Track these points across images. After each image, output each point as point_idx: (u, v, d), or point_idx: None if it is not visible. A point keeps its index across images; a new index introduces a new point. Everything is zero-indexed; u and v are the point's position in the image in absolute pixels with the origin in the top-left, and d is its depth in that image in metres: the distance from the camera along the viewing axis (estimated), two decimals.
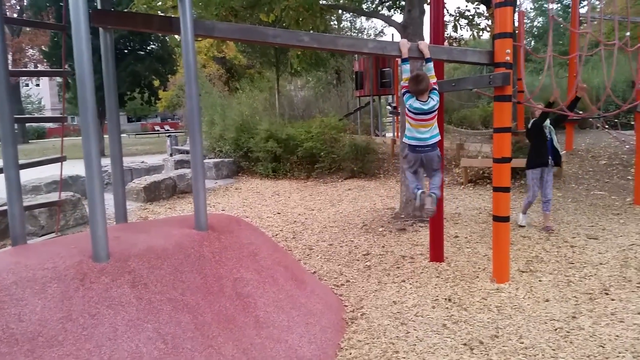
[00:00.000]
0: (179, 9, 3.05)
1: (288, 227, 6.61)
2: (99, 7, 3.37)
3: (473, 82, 4.24)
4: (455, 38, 10.44)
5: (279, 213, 7.55)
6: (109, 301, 2.45)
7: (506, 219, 4.13)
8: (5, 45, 2.90)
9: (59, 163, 3.70)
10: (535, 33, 33.60)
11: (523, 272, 4.42)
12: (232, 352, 2.64)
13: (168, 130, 38.23)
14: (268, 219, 7.16)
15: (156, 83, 22.80)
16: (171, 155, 15.92)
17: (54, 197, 6.24)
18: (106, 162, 3.93)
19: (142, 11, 7.19)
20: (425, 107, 3.65)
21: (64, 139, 4.08)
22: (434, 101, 3.68)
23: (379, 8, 10.39)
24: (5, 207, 2.78)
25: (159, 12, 7.69)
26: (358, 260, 5.04)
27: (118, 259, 2.64)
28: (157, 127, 44.33)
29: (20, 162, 3.08)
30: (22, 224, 3.03)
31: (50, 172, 8.55)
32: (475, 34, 8.53)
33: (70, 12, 2.44)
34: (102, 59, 3.30)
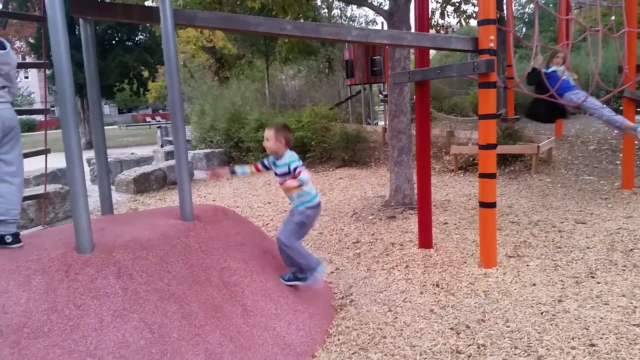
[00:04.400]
0: None
1: (279, 216, 6.61)
2: None
3: (457, 69, 4.24)
4: (443, 25, 10.41)
5: (269, 202, 7.56)
6: (94, 292, 2.45)
7: (492, 205, 4.15)
8: None
9: (53, 155, 3.70)
10: (527, 20, 33.54)
11: (511, 257, 4.46)
12: (220, 340, 2.65)
13: (159, 121, 38.00)
14: (259, 209, 7.16)
15: (145, 74, 22.62)
16: (162, 146, 15.85)
17: (42, 189, 6.21)
18: (92, 154, 3.91)
19: (122, 1, 7.10)
20: None
21: (54, 131, 4.05)
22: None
23: None
24: None
25: (144, 2, 7.60)
26: (348, 248, 5.06)
27: (103, 250, 2.64)
28: (148, 118, 44.05)
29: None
30: None
31: (39, 164, 8.50)
32: (463, 20, 8.51)
33: (46, 3, 2.41)
34: (83, 50, 3.27)
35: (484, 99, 3.99)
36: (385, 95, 15.42)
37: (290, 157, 3.37)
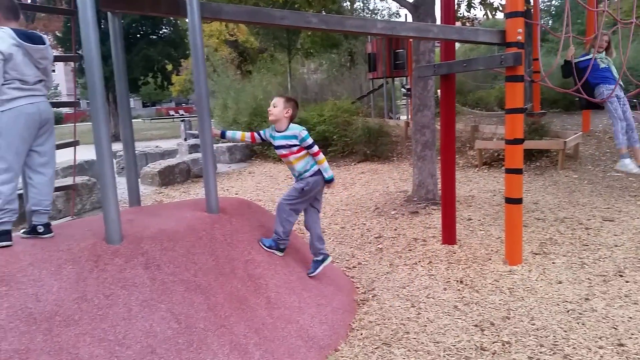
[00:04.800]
0: None
1: None
2: None
3: (484, 62, 4.17)
4: (469, 18, 10.25)
5: None
6: (122, 282, 2.50)
7: (519, 201, 4.09)
8: None
9: (79, 147, 3.77)
10: (553, 12, 32.81)
11: (536, 254, 4.39)
12: (245, 332, 2.68)
13: (182, 114, 38.40)
14: None
15: (169, 67, 22.85)
16: (185, 139, 16.01)
17: (70, 181, 6.34)
18: (120, 146, 3.97)
19: None
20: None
21: (80, 123, 4.13)
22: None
23: None
24: (20, 191, 2.83)
25: None
26: (370, 243, 5.05)
27: (131, 241, 2.69)
28: (171, 112, 44.55)
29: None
30: None
31: (67, 157, 8.67)
32: (489, 13, 8.36)
33: None
34: (111, 44, 3.32)
35: (511, 92, 3.92)
36: (408, 89, 15.28)
37: (300, 130, 3.40)
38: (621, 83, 5.66)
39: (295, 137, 3.40)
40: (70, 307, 2.37)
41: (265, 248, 3.38)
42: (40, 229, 2.78)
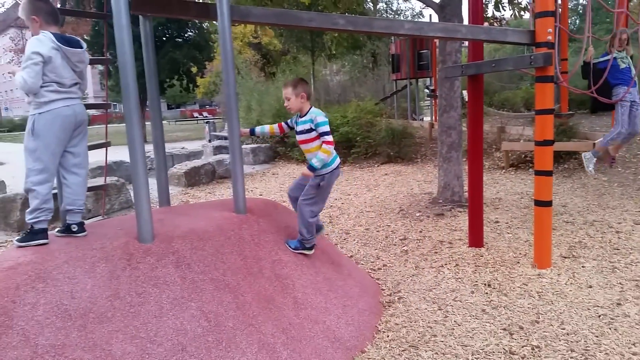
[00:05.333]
0: None
1: (324, 211, 6.64)
2: None
3: (513, 62, 4.12)
4: (496, 18, 10.12)
5: None
6: (154, 280, 2.55)
7: (548, 204, 4.02)
8: None
9: (104, 148, 3.85)
10: (581, 11, 32.16)
11: (565, 257, 4.31)
12: (272, 331, 2.70)
13: (206, 116, 38.85)
14: None
15: (194, 70, 23.13)
16: (210, 141, 16.19)
17: (99, 181, 6.47)
18: (148, 148, 4.05)
19: None
20: None
21: (109, 126, 4.23)
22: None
23: None
24: (55, 191, 2.91)
25: None
26: (395, 244, 5.03)
27: (162, 240, 2.74)
28: (195, 114, 45.12)
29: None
30: None
31: (95, 157, 8.86)
32: (517, 12, 8.24)
33: (111, 1, 2.51)
34: (142, 47, 3.38)
35: (541, 93, 3.87)
36: (432, 90, 15.17)
37: (317, 114, 3.22)
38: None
39: (311, 120, 3.22)
40: (103, 305, 2.42)
41: (292, 250, 3.37)
42: (74, 228, 2.85)
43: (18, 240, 2.72)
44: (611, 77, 5.36)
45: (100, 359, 2.26)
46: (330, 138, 3.24)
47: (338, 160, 3.39)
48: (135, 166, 2.65)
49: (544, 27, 3.77)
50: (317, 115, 3.22)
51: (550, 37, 3.76)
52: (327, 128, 3.22)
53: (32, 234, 2.70)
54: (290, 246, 3.39)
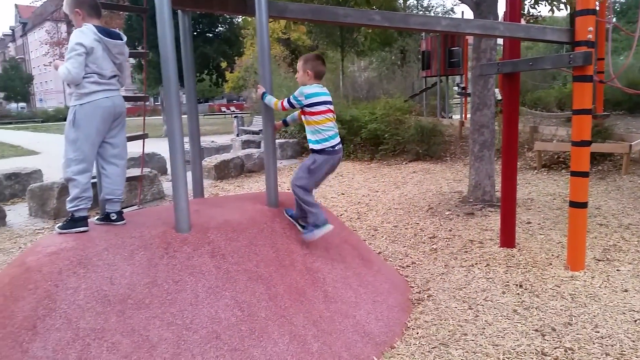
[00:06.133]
0: None
1: (352, 207, 6.66)
2: None
3: (551, 61, 4.04)
4: (532, 15, 9.92)
5: (342, 194, 7.61)
6: (190, 269, 2.61)
7: (584, 205, 3.95)
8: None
9: (140, 140, 3.94)
10: (618, 9, 31.24)
11: (599, 260, 4.22)
12: (303, 323, 2.74)
13: (234, 111, 39.21)
14: (332, 199, 7.24)
15: (223, 65, 23.38)
16: (238, 135, 16.37)
17: (134, 172, 6.62)
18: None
19: None
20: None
21: (139, 118, 4.31)
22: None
23: None
24: (94, 180, 3.00)
25: None
26: (424, 242, 5.01)
27: (198, 230, 2.80)
28: (223, 108, 45.57)
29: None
30: None
31: (129, 149, 9.07)
32: (555, 9, 8.06)
33: None
34: (180, 41, 3.45)
35: (579, 93, 3.79)
36: (463, 88, 14.98)
37: (305, 88, 3.14)
38: None
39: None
40: (141, 291, 2.49)
41: (315, 237, 3.18)
42: (113, 217, 2.93)
43: (59, 227, 2.81)
44: None
45: (138, 344, 2.33)
46: (288, 100, 3.16)
47: (333, 142, 3.21)
48: (175, 158, 2.72)
49: (584, 26, 3.68)
50: (305, 88, 3.14)
51: (590, 36, 3.68)
52: (305, 100, 3.12)
53: (73, 222, 2.79)
54: (308, 236, 3.20)
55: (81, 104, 2.78)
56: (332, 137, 3.21)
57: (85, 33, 2.75)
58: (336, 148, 3.24)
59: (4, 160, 13.72)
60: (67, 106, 2.88)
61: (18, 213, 6.78)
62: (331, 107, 3.22)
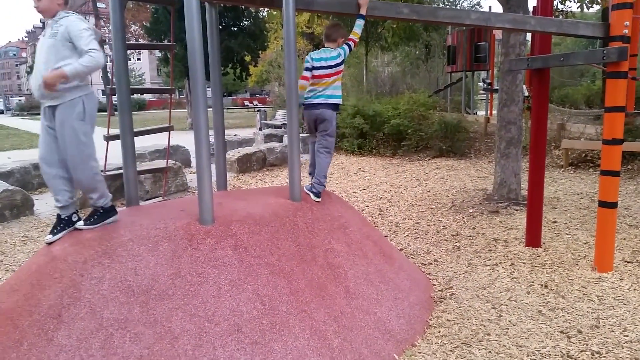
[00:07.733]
0: None
1: (374, 203, 6.62)
2: None
3: (584, 57, 3.92)
4: (562, 10, 9.68)
5: (364, 189, 7.57)
6: (213, 261, 2.62)
7: (614, 205, 3.84)
8: (124, 23, 3.12)
9: (166, 132, 3.97)
10: None
11: (628, 262, 4.11)
12: (324, 319, 2.73)
13: (257, 105, 39.37)
14: (354, 195, 7.21)
15: (247, 59, 23.42)
16: (260, 129, 16.44)
17: (157, 164, 6.70)
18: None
19: None
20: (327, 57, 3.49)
21: (160, 111, 4.35)
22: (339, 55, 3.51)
23: None
24: (121, 171, 3.02)
25: None
26: (447, 240, 4.95)
27: (222, 223, 2.81)
28: (246, 102, 45.80)
29: (135, 129, 3.34)
30: (136, 187, 3.30)
31: (151, 141, 9.18)
32: (585, 5, 7.84)
33: None
34: (207, 34, 3.45)
35: (613, 90, 3.68)
36: (489, 84, 14.74)
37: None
38: None
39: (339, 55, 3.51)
40: (165, 282, 2.51)
41: (313, 196, 3.52)
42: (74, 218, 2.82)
43: (90, 224, 2.75)
44: None
45: (160, 335, 2.35)
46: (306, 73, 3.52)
47: (308, 101, 3.57)
48: (200, 151, 2.72)
49: (620, 20, 3.57)
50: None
51: (626, 31, 3.56)
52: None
53: (106, 212, 2.79)
54: (312, 193, 3.54)
55: (86, 94, 2.67)
56: (315, 96, 3.58)
57: (82, 19, 2.69)
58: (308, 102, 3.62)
59: (33, 149, 14.04)
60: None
61: (45, 202, 6.93)
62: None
